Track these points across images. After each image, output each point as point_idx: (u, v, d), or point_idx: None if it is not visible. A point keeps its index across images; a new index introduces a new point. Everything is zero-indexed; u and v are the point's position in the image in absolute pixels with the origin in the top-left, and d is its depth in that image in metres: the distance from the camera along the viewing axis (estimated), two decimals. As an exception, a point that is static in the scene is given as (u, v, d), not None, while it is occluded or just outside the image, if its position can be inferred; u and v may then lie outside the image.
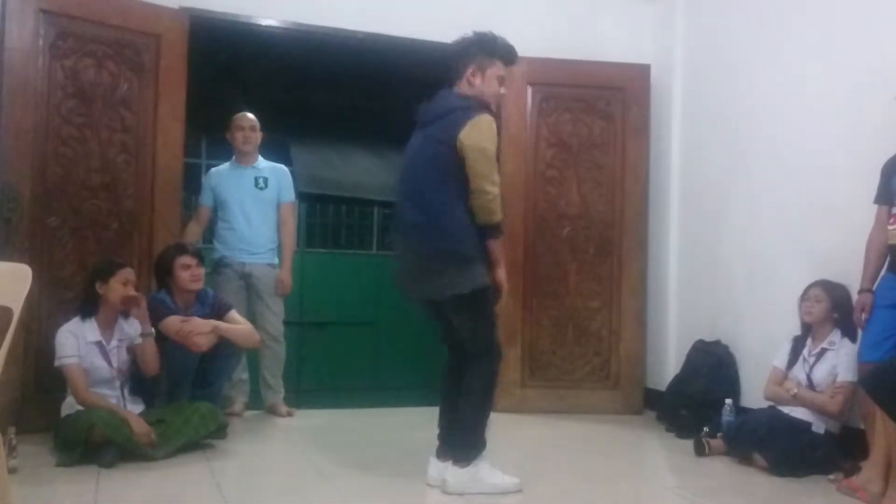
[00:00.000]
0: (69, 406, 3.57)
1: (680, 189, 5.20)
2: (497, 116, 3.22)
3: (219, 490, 3.12)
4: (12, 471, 2.99)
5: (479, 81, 3.21)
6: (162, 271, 4.03)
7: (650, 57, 5.29)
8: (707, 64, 5.04)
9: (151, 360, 3.71)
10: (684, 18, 5.24)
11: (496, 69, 3.23)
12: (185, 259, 3.98)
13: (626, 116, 5.20)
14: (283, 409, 4.75)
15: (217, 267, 4.69)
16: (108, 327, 3.65)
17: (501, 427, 4.88)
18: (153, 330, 3.73)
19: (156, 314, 3.84)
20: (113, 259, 3.80)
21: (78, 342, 3.55)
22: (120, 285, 3.62)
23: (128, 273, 3.68)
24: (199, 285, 4.02)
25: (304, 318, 6.76)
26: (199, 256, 4.05)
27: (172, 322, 3.82)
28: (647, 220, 5.24)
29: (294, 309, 6.03)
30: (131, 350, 3.70)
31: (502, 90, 3.28)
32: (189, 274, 3.96)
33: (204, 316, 3.95)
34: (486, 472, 3.16)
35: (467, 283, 3.08)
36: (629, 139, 5.20)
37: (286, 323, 4.90)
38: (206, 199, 4.81)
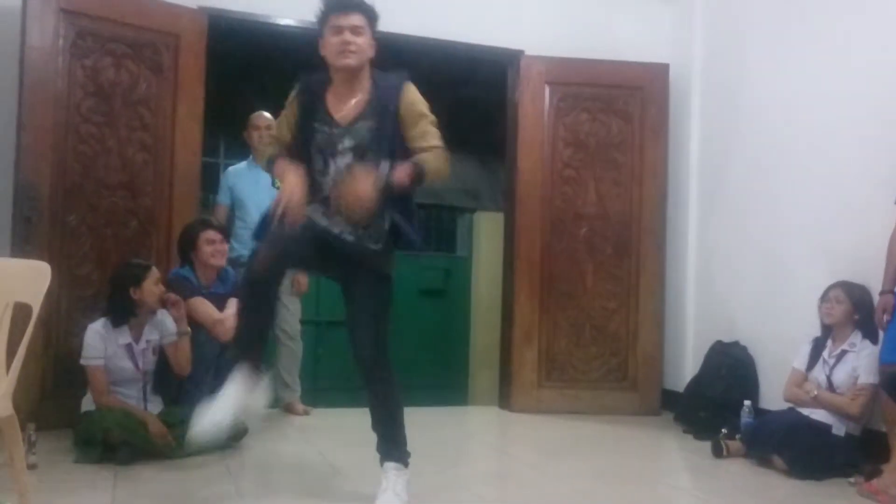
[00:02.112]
0: (89, 402, 3.60)
1: (698, 189, 5.16)
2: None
3: (235, 487, 3.12)
4: (31, 467, 3.02)
5: (323, 51, 2.86)
6: (186, 245, 4.02)
7: (668, 56, 5.26)
8: (726, 63, 5.01)
9: (185, 360, 3.72)
10: (703, 18, 5.21)
11: (328, 24, 2.83)
12: (210, 234, 3.98)
13: (645, 116, 5.17)
14: (300, 407, 4.76)
15: (234, 266, 4.70)
16: (138, 329, 3.66)
17: (518, 427, 4.88)
18: (190, 329, 3.74)
19: (180, 292, 3.84)
20: (138, 262, 3.80)
21: (105, 344, 3.57)
22: (153, 286, 3.64)
23: (156, 272, 3.70)
24: (222, 261, 4.02)
25: (321, 317, 6.79)
26: (224, 233, 4.07)
27: (201, 305, 3.83)
28: (665, 221, 5.21)
29: (310, 308, 6.05)
30: (157, 350, 3.71)
31: (346, 36, 2.77)
32: (212, 249, 3.96)
33: (224, 295, 3.94)
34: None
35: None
36: (647, 139, 5.17)
37: (303, 322, 4.91)
38: (223, 198, 4.82)
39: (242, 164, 4.90)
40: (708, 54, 5.17)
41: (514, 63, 5.18)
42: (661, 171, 5.19)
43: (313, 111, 2.84)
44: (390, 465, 2.91)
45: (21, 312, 2.62)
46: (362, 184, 2.63)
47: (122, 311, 3.62)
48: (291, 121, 2.91)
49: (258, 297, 2.80)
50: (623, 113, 5.18)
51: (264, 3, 4.70)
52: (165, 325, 3.73)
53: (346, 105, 2.84)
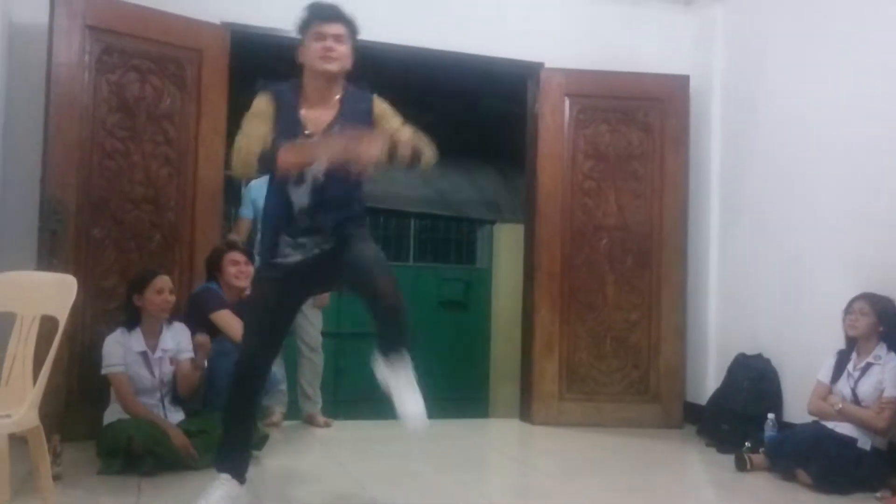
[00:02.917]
0: (111, 414, 3.63)
1: (720, 200, 5.14)
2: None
3: (258, 500, 3.13)
4: (56, 478, 3.04)
5: (303, 57, 2.88)
6: (212, 266, 4.13)
7: (689, 68, 5.24)
8: (746, 74, 4.99)
9: (190, 386, 3.76)
10: (723, 29, 5.20)
11: (311, 31, 2.86)
12: (235, 255, 4.09)
13: (665, 127, 5.16)
14: (321, 419, 4.77)
15: (256, 278, 4.73)
16: (152, 337, 3.70)
17: (539, 439, 4.86)
18: (205, 364, 3.77)
19: (208, 302, 3.93)
20: (148, 269, 3.87)
21: (124, 351, 3.62)
22: (154, 294, 3.68)
23: (161, 281, 3.72)
24: (245, 283, 4.07)
25: (342, 329, 6.81)
26: (249, 256, 4.15)
27: (228, 317, 3.88)
28: (686, 232, 5.18)
29: (331, 320, 6.07)
30: (174, 362, 3.75)
31: (328, 42, 2.81)
32: (236, 270, 4.05)
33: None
34: None
35: None
36: (668, 150, 5.16)
37: (324, 333, 4.93)
38: (246, 211, 4.86)
39: (265, 178, 4.92)
40: (728, 65, 5.15)
41: (533, 75, 5.19)
42: (681, 183, 5.17)
43: (288, 122, 2.83)
44: (397, 357, 2.83)
45: (47, 324, 2.66)
46: (372, 147, 2.61)
47: (129, 317, 3.71)
48: (267, 130, 2.83)
49: (247, 393, 2.90)
50: (643, 124, 5.17)
51: (285, 18, 4.70)
52: (182, 340, 3.78)
53: (319, 114, 2.85)
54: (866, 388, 3.68)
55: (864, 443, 3.61)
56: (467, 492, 3.41)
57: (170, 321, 3.77)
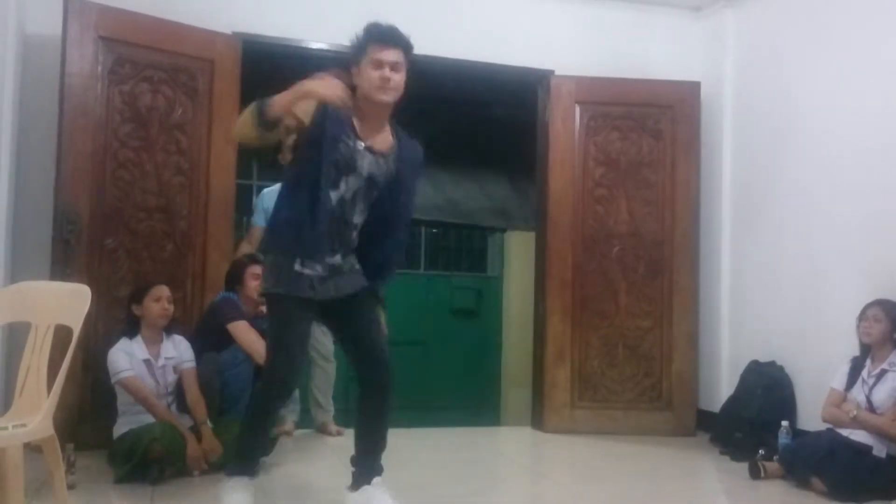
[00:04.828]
0: (120, 427, 3.64)
1: (732, 207, 5.12)
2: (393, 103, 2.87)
3: (270, 508, 3.14)
4: (71, 487, 3.05)
5: (358, 79, 2.83)
6: (232, 278, 4.12)
7: (699, 74, 5.24)
8: (758, 80, 4.98)
9: (196, 393, 3.77)
10: (734, 35, 5.19)
11: (368, 55, 2.80)
12: (256, 269, 4.03)
13: (676, 134, 5.15)
14: (333, 428, 4.77)
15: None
16: (154, 346, 3.73)
17: (551, 448, 4.85)
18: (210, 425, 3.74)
19: (226, 312, 3.94)
20: (146, 280, 3.93)
21: (130, 359, 3.64)
22: (152, 303, 3.72)
23: (158, 290, 3.76)
24: None
25: (353, 338, 6.81)
26: None
27: (244, 328, 3.89)
28: (698, 239, 5.17)
29: (343, 328, 6.07)
30: (178, 371, 3.77)
31: (386, 72, 2.79)
32: (258, 283, 4.02)
33: (259, 330, 4.01)
34: None
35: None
36: (679, 157, 5.14)
37: (336, 342, 4.92)
38: (258, 220, 4.86)
39: (277, 186, 4.94)
40: (740, 71, 5.14)
41: (544, 83, 5.19)
42: (693, 189, 5.16)
43: (335, 126, 2.81)
44: (379, 480, 3.00)
45: (61, 334, 2.68)
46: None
47: (129, 326, 3.75)
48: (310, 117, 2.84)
49: (271, 413, 3.04)
50: (654, 131, 5.16)
51: (296, 27, 4.77)
52: (184, 350, 3.81)
53: (374, 135, 2.88)
54: (881, 395, 3.65)
55: (880, 450, 3.59)
56: (479, 500, 3.40)
57: (169, 332, 3.80)
